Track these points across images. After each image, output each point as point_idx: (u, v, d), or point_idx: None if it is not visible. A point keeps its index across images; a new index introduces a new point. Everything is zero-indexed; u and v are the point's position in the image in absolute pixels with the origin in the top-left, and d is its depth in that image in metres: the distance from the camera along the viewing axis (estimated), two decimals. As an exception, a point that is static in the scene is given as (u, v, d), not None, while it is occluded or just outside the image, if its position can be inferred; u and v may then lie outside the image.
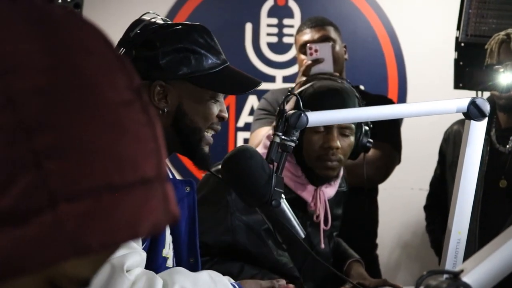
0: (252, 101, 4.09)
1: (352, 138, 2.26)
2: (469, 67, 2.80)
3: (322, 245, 2.33)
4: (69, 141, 0.55)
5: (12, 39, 0.55)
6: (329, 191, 2.33)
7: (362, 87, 3.37)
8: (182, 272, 1.60)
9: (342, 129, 2.23)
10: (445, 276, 0.87)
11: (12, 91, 0.54)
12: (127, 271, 1.48)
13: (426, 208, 3.22)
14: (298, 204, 2.25)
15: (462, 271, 0.86)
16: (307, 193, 2.27)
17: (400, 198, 4.05)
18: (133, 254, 1.50)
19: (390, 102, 3.39)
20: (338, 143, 2.21)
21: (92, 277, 0.60)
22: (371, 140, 2.29)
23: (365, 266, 2.51)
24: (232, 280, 1.76)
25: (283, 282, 1.90)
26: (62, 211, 0.54)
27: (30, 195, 0.54)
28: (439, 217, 3.04)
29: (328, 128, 2.21)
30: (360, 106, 2.24)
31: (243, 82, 1.77)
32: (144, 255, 1.54)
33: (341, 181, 2.41)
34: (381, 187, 3.25)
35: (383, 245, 3.54)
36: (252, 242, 2.23)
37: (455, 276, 0.85)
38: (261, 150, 2.25)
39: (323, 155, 2.21)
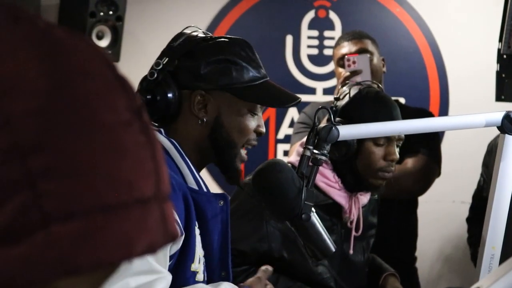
0: (292, 113, 4.09)
1: (398, 148, 2.30)
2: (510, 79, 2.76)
3: (351, 251, 2.33)
4: (64, 163, 0.55)
5: (12, 60, 0.56)
6: (363, 198, 2.33)
7: (402, 100, 3.34)
8: None
9: (398, 141, 2.26)
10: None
11: (10, 112, 0.54)
12: None
13: (468, 220, 3.19)
14: (333, 210, 2.27)
15: (477, 288, 0.85)
16: (342, 199, 2.28)
17: (442, 211, 4.01)
18: (160, 280, 1.50)
19: (430, 115, 3.35)
20: (398, 155, 2.26)
21: None
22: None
23: (405, 279, 2.49)
24: None
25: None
26: (54, 231, 0.55)
27: (23, 216, 0.54)
28: (481, 230, 2.99)
29: (389, 141, 2.24)
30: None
31: (283, 96, 1.78)
32: (170, 277, 1.55)
33: None
34: (422, 199, 3.22)
35: (424, 258, 3.50)
36: (287, 249, 2.24)
37: (470, 293, 0.84)
38: (294, 158, 2.26)
39: (385, 167, 2.24)
